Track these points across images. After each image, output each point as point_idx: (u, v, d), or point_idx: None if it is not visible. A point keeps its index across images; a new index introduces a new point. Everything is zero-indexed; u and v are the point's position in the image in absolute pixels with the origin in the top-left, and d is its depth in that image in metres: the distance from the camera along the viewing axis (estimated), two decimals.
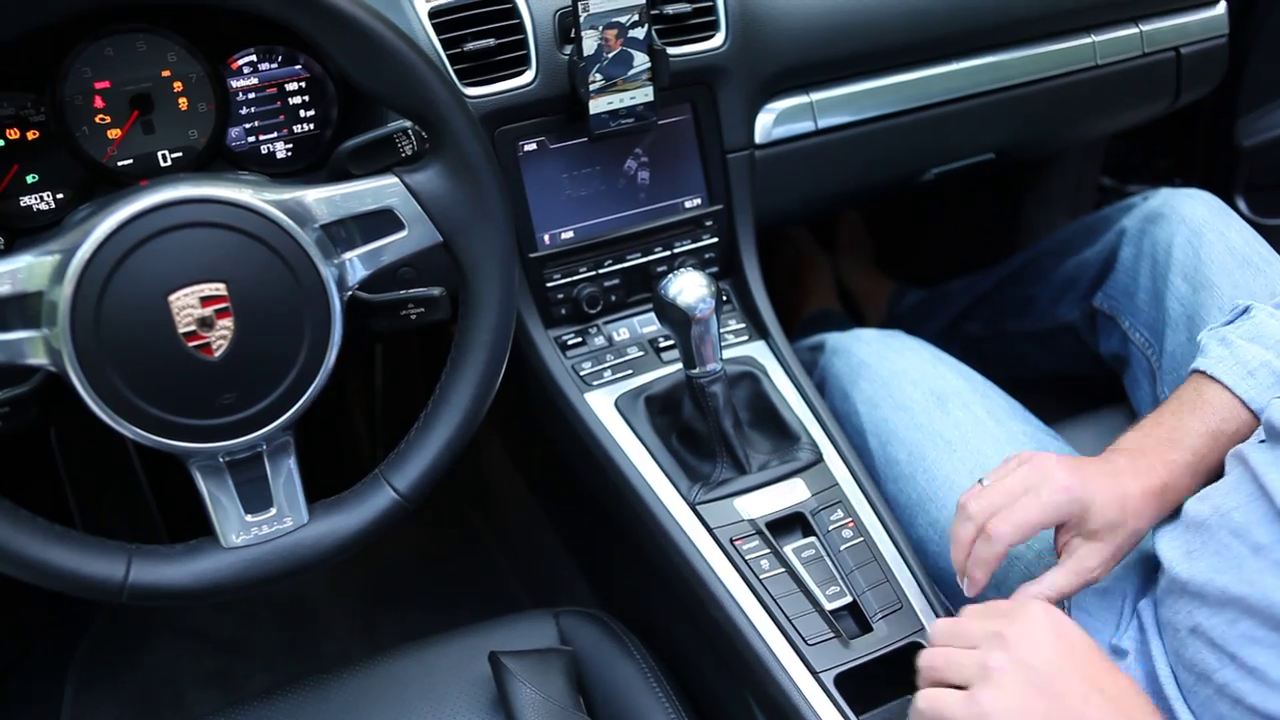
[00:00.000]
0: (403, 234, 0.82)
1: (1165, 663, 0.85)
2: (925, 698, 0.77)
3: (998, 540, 0.86)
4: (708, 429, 1.01)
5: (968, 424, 1.10)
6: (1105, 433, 1.21)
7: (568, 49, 1.07)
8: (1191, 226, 1.17)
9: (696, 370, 0.99)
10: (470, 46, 1.04)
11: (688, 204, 1.17)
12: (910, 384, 1.15)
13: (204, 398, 0.77)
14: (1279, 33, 1.71)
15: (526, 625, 1.01)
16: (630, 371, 1.11)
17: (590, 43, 1.02)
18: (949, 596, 1.00)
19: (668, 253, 1.16)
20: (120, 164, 0.94)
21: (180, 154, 0.96)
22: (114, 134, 0.93)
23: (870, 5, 1.23)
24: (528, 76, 1.06)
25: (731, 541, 0.97)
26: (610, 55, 1.03)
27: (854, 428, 1.16)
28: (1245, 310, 0.96)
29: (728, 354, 1.10)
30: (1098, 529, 0.87)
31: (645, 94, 1.06)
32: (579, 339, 1.13)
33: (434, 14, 1.04)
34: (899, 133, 1.30)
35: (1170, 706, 0.83)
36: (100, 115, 0.92)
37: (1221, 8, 1.47)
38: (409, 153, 0.94)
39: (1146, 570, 0.94)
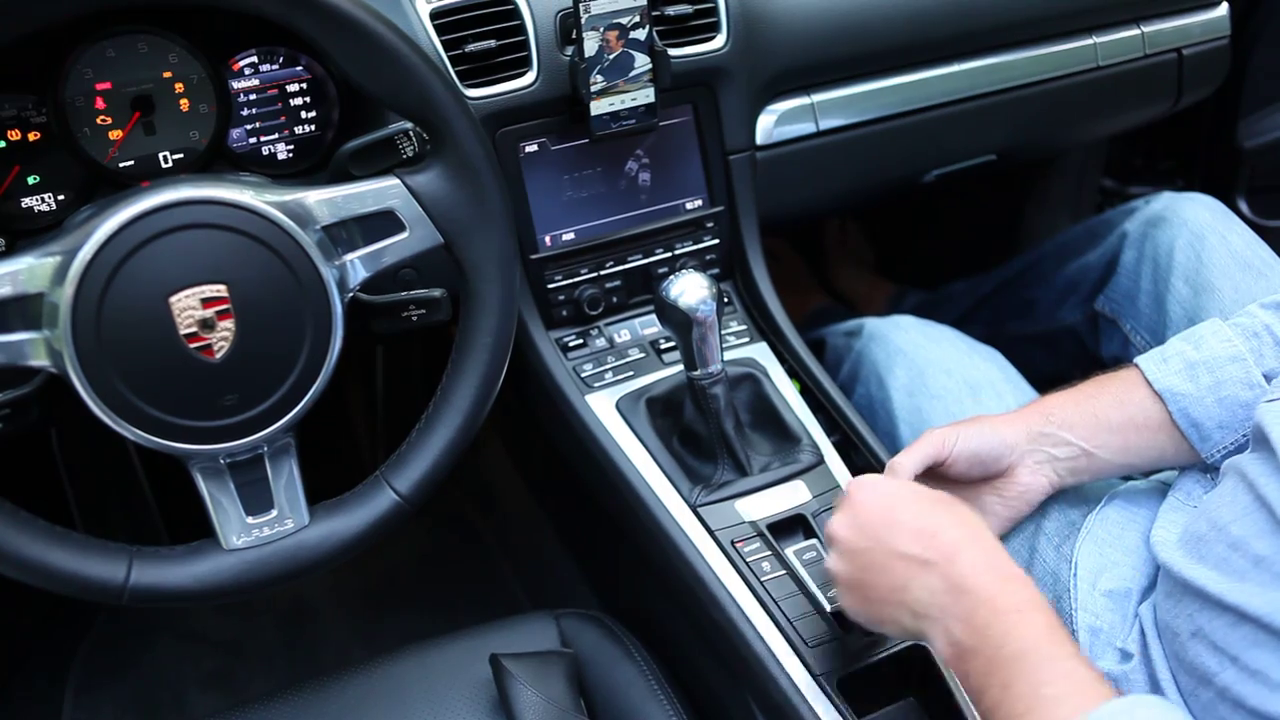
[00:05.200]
0: (404, 235, 0.82)
1: (1165, 666, 0.85)
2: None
3: None
4: (709, 431, 1.01)
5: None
6: None
7: (569, 50, 1.07)
8: (1193, 230, 1.18)
9: (698, 372, 0.98)
10: (471, 48, 1.04)
11: (689, 205, 1.17)
12: (944, 373, 1.16)
13: (205, 399, 0.77)
14: None
15: (527, 627, 1.01)
16: (631, 373, 1.11)
17: (591, 44, 1.02)
18: None
19: (669, 254, 1.16)
20: (121, 165, 0.94)
21: (181, 155, 0.96)
22: (115, 135, 0.93)
23: (871, 6, 1.23)
24: (529, 78, 1.06)
25: (733, 543, 0.96)
26: (611, 56, 1.03)
27: (888, 414, 1.17)
28: None
29: (729, 355, 1.10)
30: None
31: (646, 95, 1.06)
32: (580, 340, 1.13)
33: (435, 15, 1.04)
34: (900, 134, 1.30)
35: None
36: (101, 116, 0.92)
37: (1223, 9, 1.47)
38: (410, 154, 0.93)
39: (1150, 572, 0.94)
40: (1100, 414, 0.96)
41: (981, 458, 0.96)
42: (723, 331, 1.02)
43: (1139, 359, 0.98)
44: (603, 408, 1.07)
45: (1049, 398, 1.00)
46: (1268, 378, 0.91)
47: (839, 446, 1.07)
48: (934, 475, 0.99)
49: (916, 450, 0.96)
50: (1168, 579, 0.85)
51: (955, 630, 0.72)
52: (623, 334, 1.15)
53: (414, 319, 0.96)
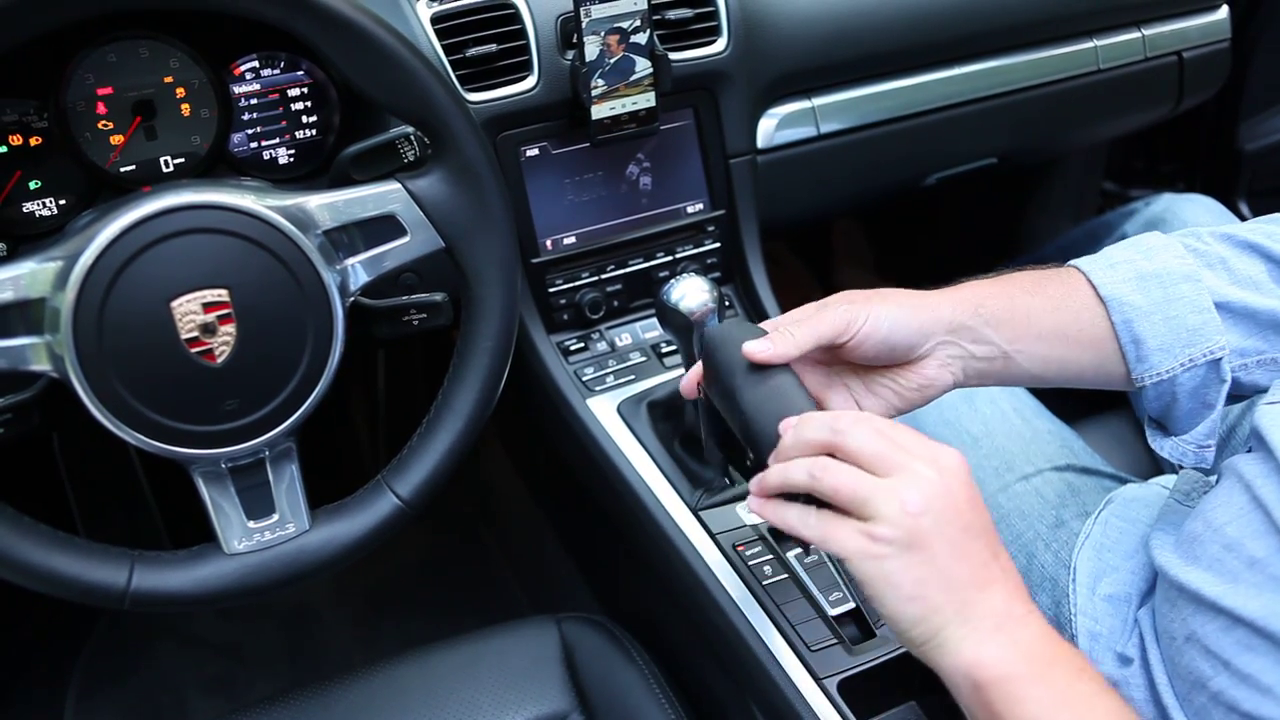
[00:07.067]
0: (405, 240, 0.82)
1: (1163, 671, 0.85)
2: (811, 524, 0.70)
3: None
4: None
5: (994, 420, 1.10)
6: (1110, 437, 1.21)
7: (570, 54, 1.07)
8: None
9: None
10: (472, 52, 1.04)
11: (690, 209, 1.17)
12: None
13: (206, 404, 0.77)
14: None
15: (528, 630, 1.01)
16: (633, 377, 1.11)
17: (592, 48, 1.02)
18: None
19: (670, 258, 1.16)
20: (123, 170, 0.94)
21: (183, 160, 0.96)
22: (116, 140, 0.93)
23: (872, 10, 1.23)
24: (530, 82, 1.06)
25: (734, 547, 0.96)
26: (612, 60, 1.03)
27: None
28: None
29: None
30: None
31: (647, 99, 1.06)
32: (581, 344, 1.13)
33: (436, 19, 1.04)
34: (901, 138, 1.30)
35: (1169, 716, 0.83)
36: (103, 121, 0.92)
37: (1224, 12, 1.47)
38: (411, 158, 0.94)
39: (1149, 576, 0.94)
40: (1033, 315, 0.85)
41: (892, 345, 0.82)
42: None
43: (1080, 261, 0.87)
44: (604, 411, 1.07)
45: (979, 285, 0.87)
46: (1216, 306, 0.85)
47: None
48: (832, 356, 0.84)
49: (814, 325, 0.80)
50: (1163, 583, 0.85)
51: (1025, 643, 0.65)
52: (624, 337, 1.15)
53: (415, 323, 0.95)
